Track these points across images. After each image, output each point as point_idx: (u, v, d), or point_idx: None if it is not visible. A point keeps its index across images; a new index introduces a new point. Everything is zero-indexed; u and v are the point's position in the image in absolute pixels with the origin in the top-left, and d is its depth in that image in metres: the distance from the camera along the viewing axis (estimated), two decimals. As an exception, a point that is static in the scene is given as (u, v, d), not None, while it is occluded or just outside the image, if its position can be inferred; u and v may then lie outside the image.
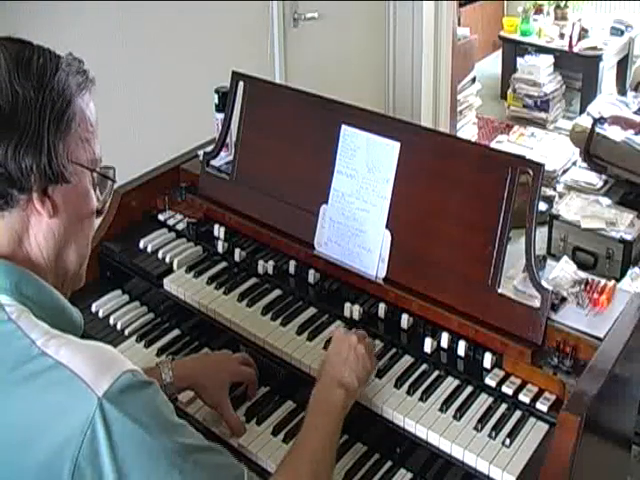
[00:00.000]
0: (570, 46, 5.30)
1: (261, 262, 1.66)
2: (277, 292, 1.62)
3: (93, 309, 1.70)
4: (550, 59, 5.38)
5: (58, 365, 0.92)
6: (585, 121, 4.33)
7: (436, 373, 1.41)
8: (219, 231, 1.76)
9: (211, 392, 1.41)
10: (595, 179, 4.23)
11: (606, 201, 3.90)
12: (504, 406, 1.33)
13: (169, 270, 1.70)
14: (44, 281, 1.04)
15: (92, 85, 1.06)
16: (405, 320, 1.48)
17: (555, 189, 4.28)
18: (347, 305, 1.53)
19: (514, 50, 5.63)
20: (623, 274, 3.39)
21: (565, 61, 5.41)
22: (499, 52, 6.01)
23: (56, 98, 0.99)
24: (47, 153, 0.98)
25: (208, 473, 0.98)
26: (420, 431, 1.30)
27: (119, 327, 1.66)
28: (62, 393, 0.91)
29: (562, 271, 1.50)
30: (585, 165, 4.33)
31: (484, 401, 1.35)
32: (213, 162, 1.85)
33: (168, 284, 1.67)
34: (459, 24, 4.86)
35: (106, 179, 1.10)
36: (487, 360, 1.39)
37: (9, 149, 0.95)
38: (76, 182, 1.03)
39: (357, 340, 1.35)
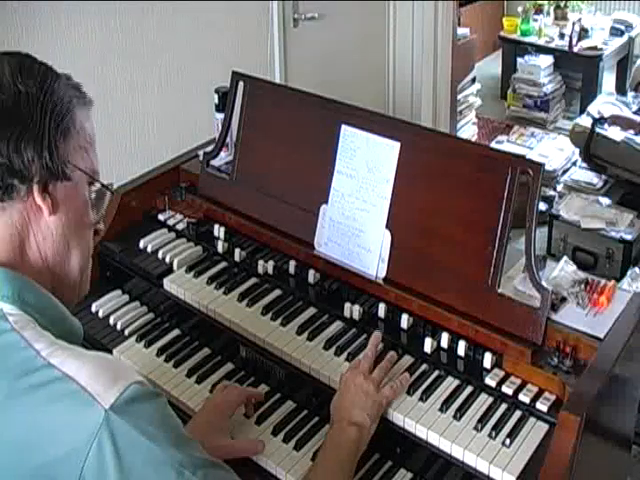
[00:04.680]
0: (570, 46, 5.31)
1: (261, 262, 1.66)
2: (277, 292, 1.62)
3: (93, 309, 1.70)
4: (550, 59, 5.38)
5: (64, 377, 0.91)
6: (585, 121, 4.33)
7: (436, 373, 1.41)
8: (219, 231, 1.76)
9: (216, 445, 1.29)
10: (595, 179, 4.23)
11: (606, 201, 3.90)
12: (504, 406, 1.33)
13: (169, 270, 1.70)
14: (44, 289, 1.03)
15: (90, 105, 1.07)
16: (405, 320, 1.48)
17: (555, 189, 4.28)
18: (347, 305, 1.53)
19: (514, 50, 5.63)
20: (623, 274, 3.39)
21: (565, 61, 5.41)
22: (499, 52, 6.01)
23: (57, 101, 1.01)
24: (48, 147, 0.99)
25: None
26: (420, 431, 1.30)
27: (119, 327, 1.66)
28: (68, 406, 0.90)
29: (562, 271, 1.50)
30: (585, 165, 4.33)
31: (484, 401, 1.35)
32: (213, 162, 1.85)
33: (168, 284, 1.67)
34: (459, 24, 4.85)
35: (103, 196, 1.09)
36: (487, 360, 1.39)
37: (11, 140, 0.96)
38: (75, 183, 1.03)
39: (363, 379, 1.34)
